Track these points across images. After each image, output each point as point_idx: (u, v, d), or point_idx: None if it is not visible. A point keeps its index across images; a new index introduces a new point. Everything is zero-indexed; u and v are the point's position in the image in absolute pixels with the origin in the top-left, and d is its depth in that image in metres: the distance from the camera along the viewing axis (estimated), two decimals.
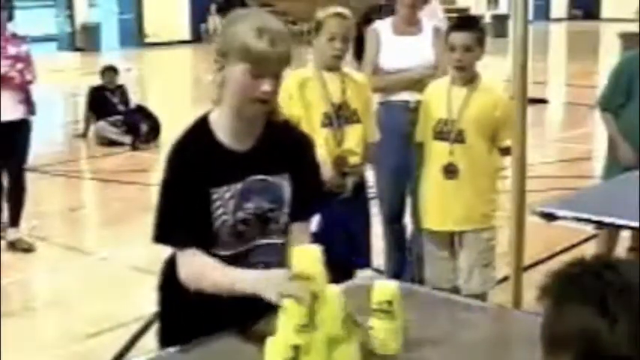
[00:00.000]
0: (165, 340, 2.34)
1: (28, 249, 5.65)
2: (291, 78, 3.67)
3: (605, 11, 28.81)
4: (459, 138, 3.74)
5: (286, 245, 2.26)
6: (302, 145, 2.35)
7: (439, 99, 3.81)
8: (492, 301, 3.74)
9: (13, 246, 5.63)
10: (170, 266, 2.33)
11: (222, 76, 2.16)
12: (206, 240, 2.19)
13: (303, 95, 3.66)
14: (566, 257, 5.17)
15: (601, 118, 4.81)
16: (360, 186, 3.88)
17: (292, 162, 2.28)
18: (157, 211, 2.23)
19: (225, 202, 2.19)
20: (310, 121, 3.65)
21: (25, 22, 5.62)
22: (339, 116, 3.73)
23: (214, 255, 2.20)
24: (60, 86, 13.74)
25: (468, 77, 3.75)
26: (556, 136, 10.08)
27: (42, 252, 5.56)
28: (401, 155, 4.38)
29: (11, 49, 5.45)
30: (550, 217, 3.48)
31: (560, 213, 3.48)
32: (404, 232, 4.76)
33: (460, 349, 2.10)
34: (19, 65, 5.44)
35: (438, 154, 3.80)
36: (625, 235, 5.00)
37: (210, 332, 2.18)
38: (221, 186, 2.18)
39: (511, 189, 3.34)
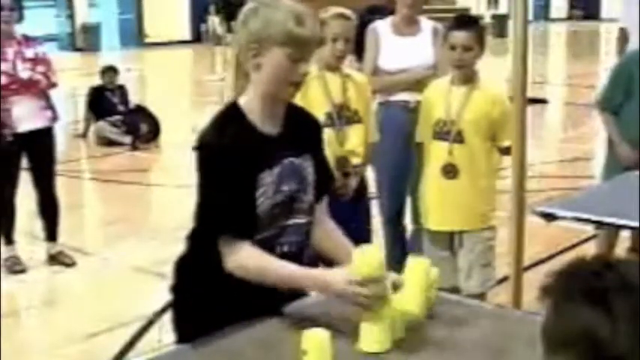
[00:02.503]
0: (183, 339, 2.32)
1: (71, 263, 5.47)
2: None
3: (605, 11, 28.80)
4: (459, 138, 3.74)
5: (311, 225, 2.36)
6: (316, 126, 2.46)
7: (438, 99, 3.81)
8: (492, 301, 3.74)
9: (54, 260, 5.48)
10: (183, 267, 2.35)
11: (256, 62, 2.20)
12: (253, 225, 2.21)
13: (304, 95, 3.65)
14: (566, 257, 5.18)
15: (600, 118, 4.81)
16: (361, 186, 3.88)
17: (311, 143, 2.38)
18: (205, 203, 2.21)
19: (267, 187, 2.22)
20: None
21: (25, 21, 5.46)
22: (341, 116, 3.73)
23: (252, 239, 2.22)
24: (60, 86, 13.73)
25: (468, 76, 3.75)
26: (556, 136, 10.09)
27: (42, 252, 5.55)
28: (401, 155, 4.39)
29: (27, 52, 5.17)
30: (550, 217, 3.48)
31: (561, 213, 3.48)
32: (404, 232, 4.76)
33: (460, 349, 2.10)
34: (40, 68, 5.18)
35: (437, 154, 3.80)
36: (625, 235, 5.00)
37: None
38: (264, 170, 2.22)
39: (511, 189, 3.34)
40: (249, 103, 2.25)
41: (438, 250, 3.93)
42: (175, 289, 2.40)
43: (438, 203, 3.86)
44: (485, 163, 3.81)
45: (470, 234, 3.85)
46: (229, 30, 20.11)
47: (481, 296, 3.81)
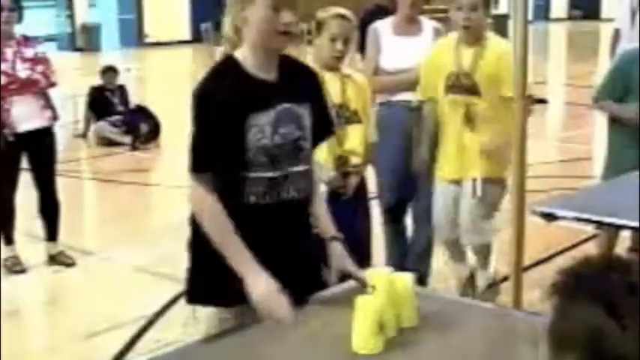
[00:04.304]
0: (194, 298, 2.46)
1: (70, 263, 5.46)
2: None
3: (605, 11, 28.78)
4: (474, 90, 3.81)
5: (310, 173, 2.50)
6: (314, 76, 2.59)
7: (447, 55, 3.88)
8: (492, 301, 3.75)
9: (54, 260, 5.47)
10: (194, 222, 2.43)
11: (243, 16, 2.35)
12: (240, 163, 2.34)
13: None
14: (566, 257, 5.18)
15: (598, 109, 4.80)
16: (361, 186, 3.88)
17: (310, 93, 2.50)
18: (192, 143, 2.36)
19: (262, 127, 2.35)
20: None
21: (25, 21, 5.46)
22: (340, 116, 3.73)
23: (254, 178, 2.35)
24: (60, 86, 13.70)
25: (476, 37, 3.81)
26: (556, 136, 10.07)
27: (42, 252, 5.55)
28: (402, 154, 4.39)
29: (27, 52, 5.17)
30: (550, 217, 3.48)
31: (560, 213, 3.48)
32: (404, 231, 4.76)
33: (459, 349, 2.10)
34: (40, 67, 5.18)
35: (454, 107, 3.86)
36: (625, 235, 5.00)
37: (238, 290, 2.30)
38: (257, 111, 2.34)
39: (511, 189, 3.34)
40: (244, 53, 2.39)
41: (447, 198, 3.99)
42: (190, 244, 2.49)
43: (457, 152, 3.94)
44: (502, 114, 3.82)
45: (483, 183, 3.91)
46: None
47: (482, 249, 3.89)
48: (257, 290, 2.26)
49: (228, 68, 2.40)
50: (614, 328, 1.12)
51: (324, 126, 2.59)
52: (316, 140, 2.55)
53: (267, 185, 2.37)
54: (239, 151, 2.33)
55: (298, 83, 2.46)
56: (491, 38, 3.92)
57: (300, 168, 2.44)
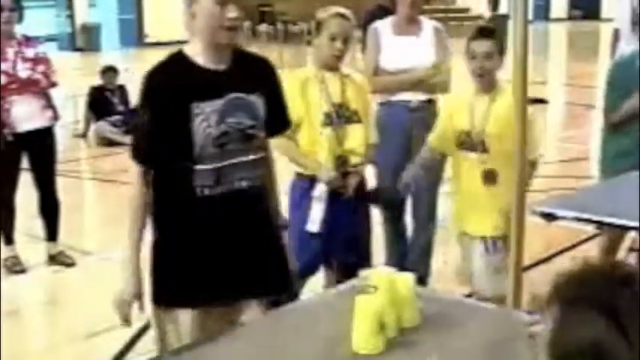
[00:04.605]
0: (158, 300, 2.64)
1: (70, 263, 5.47)
2: (292, 78, 3.67)
3: (605, 11, 28.77)
4: (484, 148, 3.73)
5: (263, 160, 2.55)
6: (267, 66, 2.60)
7: (460, 110, 3.81)
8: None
9: (54, 260, 5.48)
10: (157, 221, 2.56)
11: (191, 11, 2.41)
12: (185, 154, 2.38)
13: (304, 95, 3.66)
14: (566, 257, 5.17)
15: (622, 118, 4.60)
16: (361, 186, 3.87)
17: (264, 83, 2.52)
18: (134, 133, 2.53)
19: (208, 116, 2.37)
20: (311, 120, 3.65)
21: (25, 21, 5.47)
22: (340, 116, 3.72)
23: (202, 170, 2.38)
24: (60, 86, 13.67)
25: (489, 85, 3.75)
26: (556, 136, 10.07)
27: (42, 252, 5.55)
28: (401, 154, 4.39)
29: (28, 52, 5.17)
30: (550, 217, 3.47)
31: (560, 213, 3.48)
32: (404, 231, 4.76)
33: (460, 349, 2.10)
34: (41, 67, 5.18)
35: (465, 163, 3.78)
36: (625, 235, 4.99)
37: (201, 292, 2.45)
38: (202, 101, 2.36)
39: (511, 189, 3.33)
40: (193, 48, 2.45)
41: (471, 252, 3.88)
42: (154, 247, 2.65)
43: (475, 209, 3.81)
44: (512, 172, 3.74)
45: (500, 241, 3.79)
46: None
47: (495, 300, 3.82)
48: (121, 288, 2.56)
49: (174, 60, 2.46)
50: (618, 339, 1.10)
51: (279, 118, 2.62)
52: (272, 132, 2.59)
53: (217, 175, 2.40)
54: (185, 142, 2.36)
55: (250, 73, 2.48)
56: (505, 88, 3.83)
57: (251, 157, 2.46)
